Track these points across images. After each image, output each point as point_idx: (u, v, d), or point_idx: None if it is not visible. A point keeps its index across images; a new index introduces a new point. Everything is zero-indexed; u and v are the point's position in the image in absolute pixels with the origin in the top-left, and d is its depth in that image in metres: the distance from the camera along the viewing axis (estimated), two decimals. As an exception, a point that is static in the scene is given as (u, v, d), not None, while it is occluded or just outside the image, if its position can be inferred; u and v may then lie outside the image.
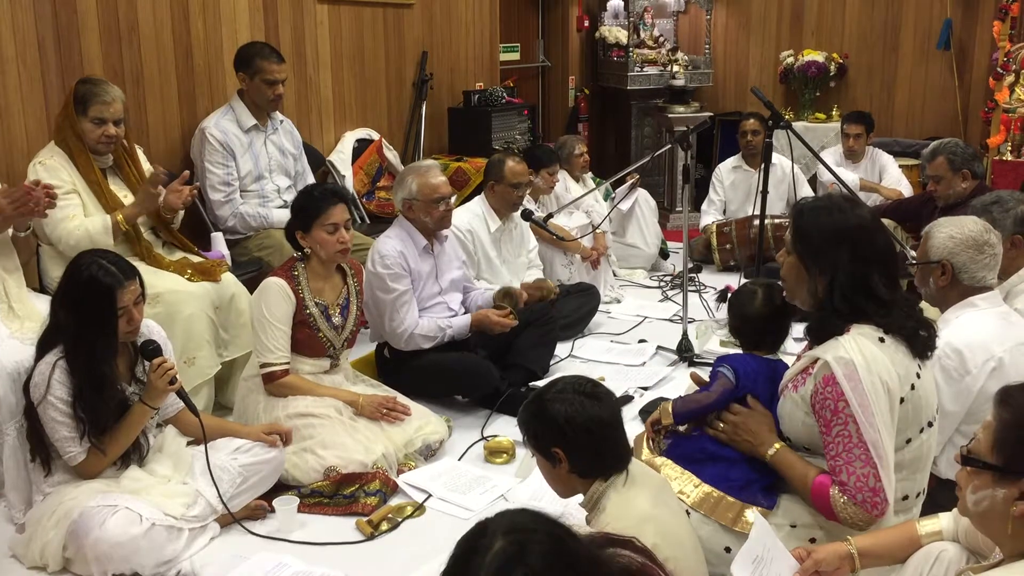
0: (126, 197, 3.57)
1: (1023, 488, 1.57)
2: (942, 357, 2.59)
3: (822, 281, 2.25)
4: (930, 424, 2.27)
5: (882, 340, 2.18)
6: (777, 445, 2.35)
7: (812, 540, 2.29)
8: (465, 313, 3.96)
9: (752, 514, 2.25)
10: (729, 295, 2.77)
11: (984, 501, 1.63)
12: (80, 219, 3.40)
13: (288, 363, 3.31)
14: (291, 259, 3.41)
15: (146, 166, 3.76)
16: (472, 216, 4.51)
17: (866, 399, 2.12)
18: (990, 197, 3.22)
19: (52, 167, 3.39)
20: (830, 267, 2.23)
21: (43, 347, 2.71)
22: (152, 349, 2.78)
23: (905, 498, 2.28)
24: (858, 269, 2.20)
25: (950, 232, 2.69)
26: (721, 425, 2.46)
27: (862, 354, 2.14)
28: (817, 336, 2.28)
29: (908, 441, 2.23)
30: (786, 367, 2.50)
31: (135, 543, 2.57)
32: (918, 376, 2.21)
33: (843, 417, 2.15)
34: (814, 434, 2.26)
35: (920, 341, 2.23)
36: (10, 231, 3.13)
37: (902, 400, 2.18)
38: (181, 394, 2.82)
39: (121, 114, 3.49)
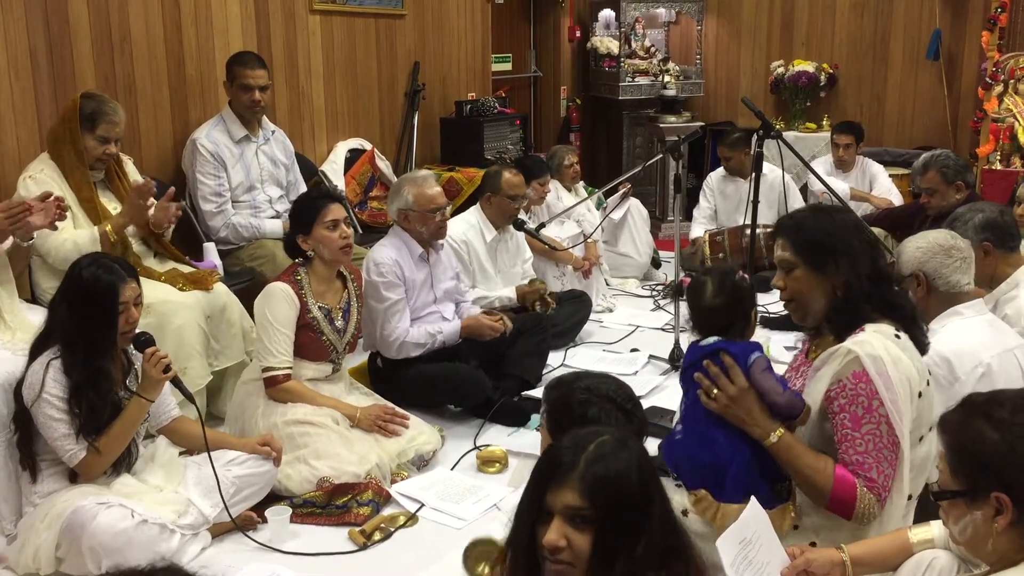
0: (115, 209, 3.57)
1: (995, 504, 1.58)
2: (931, 365, 2.61)
3: (840, 276, 2.27)
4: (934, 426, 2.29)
5: (898, 336, 2.21)
6: (780, 431, 2.26)
7: (812, 544, 2.29)
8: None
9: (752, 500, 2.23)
10: (685, 289, 2.71)
11: (968, 528, 1.65)
12: (68, 232, 3.38)
13: (291, 368, 3.31)
14: (293, 264, 3.44)
15: (135, 177, 3.76)
16: (468, 227, 4.52)
17: (896, 396, 2.14)
18: (951, 217, 3.29)
19: (42, 181, 3.37)
20: (847, 260, 2.25)
21: (36, 350, 2.71)
22: (144, 340, 2.78)
23: (910, 498, 2.28)
24: (870, 251, 2.27)
25: (916, 244, 2.77)
26: (715, 392, 2.31)
27: (887, 351, 2.16)
28: (840, 327, 2.27)
29: (921, 439, 2.25)
30: (741, 345, 2.40)
31: (127, 535, 2.57)
32: (930, 372, 2.27)
33: (876, 416, 2.15)
34: (823, 433, 2.26)
35: (918, 328, 2.28)
36: (9, 241, 3.11)
37: (920, 395, 2.20)
38: (176, 382, 2.81)
39: (123, 133, 3.52)
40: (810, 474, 2.20)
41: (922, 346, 2.29)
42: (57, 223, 3.14)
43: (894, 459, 2.16)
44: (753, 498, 2.16)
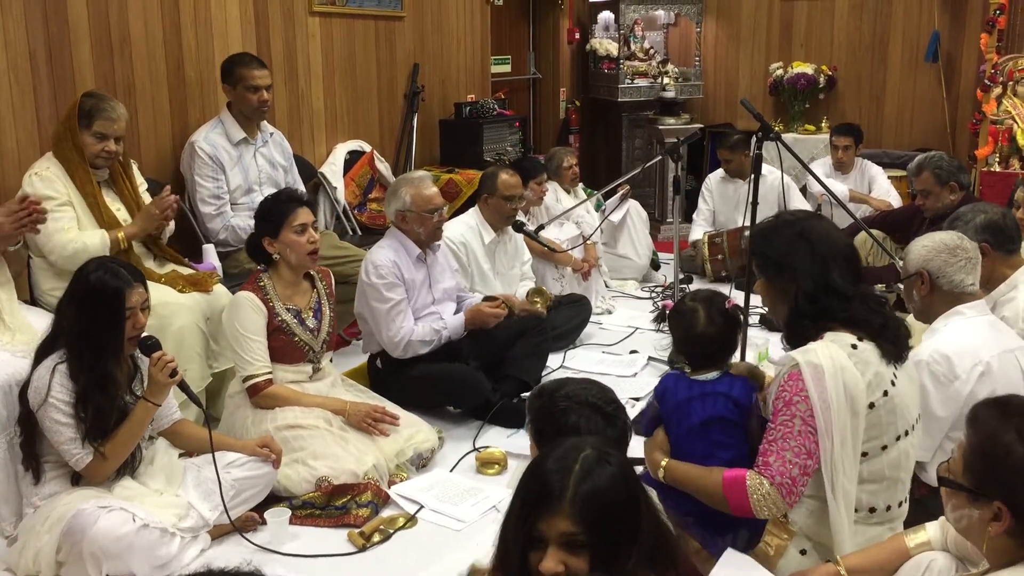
0: (119, 211, 3.57)
1: (995, 509, 1.59)
2: (931, 363, 2.62)
3: (789, 289, 2.31)
4: (907, 433, 2.27)
5: (855, 346, 2.21)
6: (664, 461, 2.39)
7: (802, 552, 2.29)
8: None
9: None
10: (668, 314, 2.65)
11: (963, 520, 1.67)
12: (75, 232, 3.38)
13: (270, 372, 3.31)
14: (255, 272, 3.42)
15: (139, 179, 3.76)
16: (466, 228, 4.53)
17: (828, 405, 2.15)
18: (953, 215, 3.30)
19: (48, 178, 3.38)
20: (791, 272, 2.30)
21: (41, 354, 2.71)
22: (151, 344, 2.78)
23: (888, 508, 2.29)
24: (816, 268, 2.26)
25: (923, 243, 2.80)
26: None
27: (832, 360, 2.17)
28: (791, 341, 2.34)
29: (884, 448, 2.24)
30: (742, 383, 2.49)
31: (128, 540, 2.56)
32: (893, 383, 2.23)
33: (793, 411, 2.18)
34: None
35: (888, 338, 2.25)
36: None
37: (872, 405, 2.20)
38: (183, 386, 2.82)
39: (123, 132, 3.50)
40: (702, 485, 2.29)
41: (894, 356, 2.25)
42: (39, 226, 3.12)
43: (803, 454, 2.16)
44: (729, 548, 2.19)
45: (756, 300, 4.94)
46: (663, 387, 2.53)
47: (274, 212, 3.33)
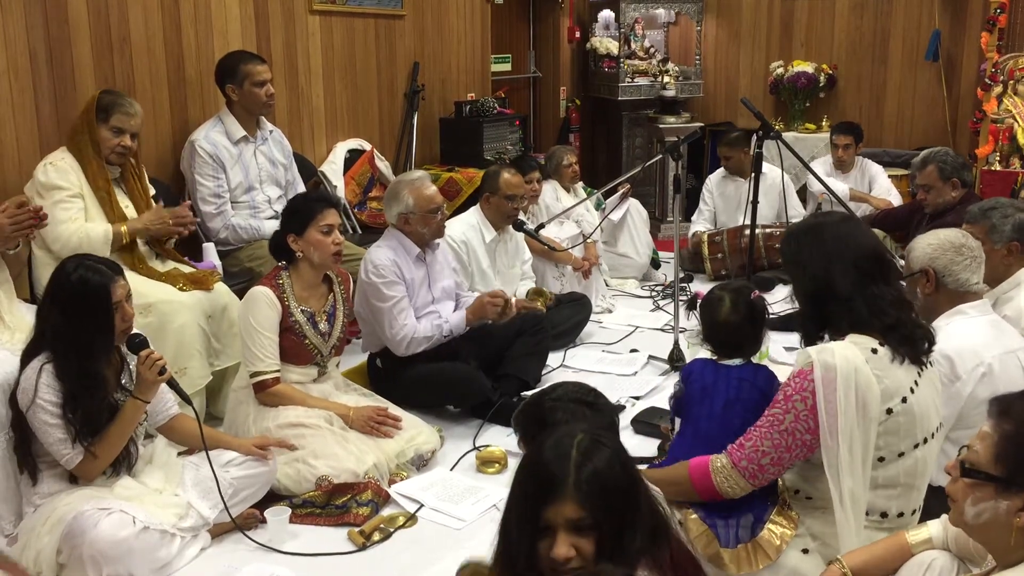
0: (128, 207, 3.62)
1: None
2: (932, 363, 2.61)
3: (800, 289, 2.33)
4: (926, 441, 2.25)
5: (875, 351, 2.19)
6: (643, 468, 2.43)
7: (804, 551, 2.29)
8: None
9: None
10: (698, 302, 2.74)
11: (985, 513, 1.63)
12: (80, 222, 3.44)
13: (279, 371, 3.30)
14: (276, 268, 3.41)
15: (149, 184, 3.80)
16: (467, 227, 4.53)
17: (834, 408, 2.14)
18: (988, 203, 3.25)
19: (62, 168, 3.45)
20: (800, 272, 2.32)
21: (28, 355, 2.69)
22: (139, 342, 2.76)
23: (900, 515, 2.27)
24: (819, 269, 2.27)
25: (928, 240, 2.78)
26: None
27: (847, 362, 2.15)
28: (804, 341, 2.35)
29: (900, 455, 2.22)
30: (766, 373, 2.53)
31: (128, 543, 2.56)
32: (912, 390, 2.21)
33: (788, 406, 2.20)
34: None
35: (898, 339, 2.22)
36: None
37: (890, 411, 2.18)
38: (172, 384, 2.80)
39: (139, 128, 3.58)
40: (669, 479, 2.34)
41: (909, 357, 2.23)
42: (38, 230, 3.15)
43: (781, 447, 2.20)
44: None
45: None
46: (689, 369, 2.59)
47: (303, 209, 3.34)
